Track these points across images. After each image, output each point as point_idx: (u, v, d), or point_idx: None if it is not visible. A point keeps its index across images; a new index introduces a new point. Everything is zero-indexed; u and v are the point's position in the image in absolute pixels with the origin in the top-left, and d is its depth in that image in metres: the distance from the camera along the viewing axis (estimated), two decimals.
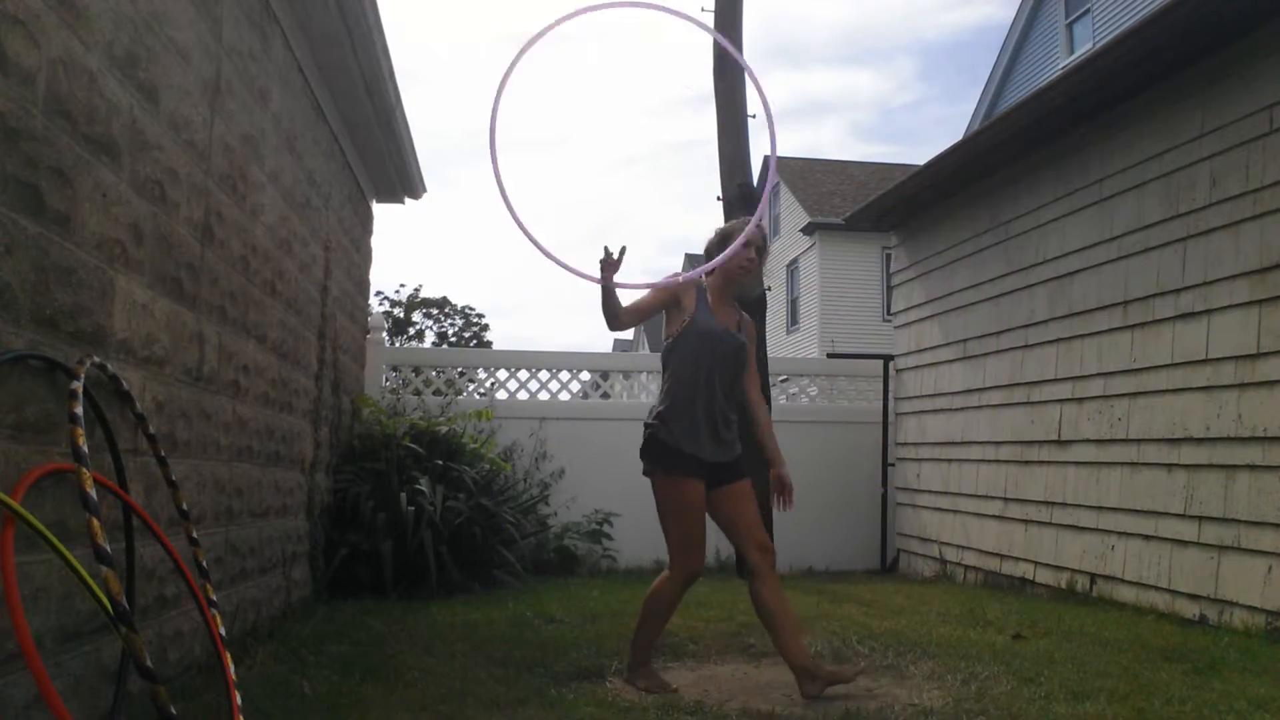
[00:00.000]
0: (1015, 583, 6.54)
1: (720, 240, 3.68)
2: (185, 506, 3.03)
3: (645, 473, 3.57)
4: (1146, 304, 5.41)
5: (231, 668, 2.70)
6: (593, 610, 5.20)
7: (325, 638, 4.23)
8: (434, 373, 8.53)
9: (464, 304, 30.17)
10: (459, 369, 8.70)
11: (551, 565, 7.44)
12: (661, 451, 3.49)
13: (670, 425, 3.48)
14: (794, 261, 22.86)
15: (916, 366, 8.18)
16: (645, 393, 8.91)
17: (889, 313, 15.00)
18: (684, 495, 3.47)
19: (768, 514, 3.80)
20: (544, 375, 8.56)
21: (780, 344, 22.22)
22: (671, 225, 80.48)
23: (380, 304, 27.11)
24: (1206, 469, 4.91)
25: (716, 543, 8.20)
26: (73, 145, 2.37)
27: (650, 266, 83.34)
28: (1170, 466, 5.17)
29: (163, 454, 2.89)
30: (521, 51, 3.33)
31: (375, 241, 7.52)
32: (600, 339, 71.80)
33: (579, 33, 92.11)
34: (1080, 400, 5.97)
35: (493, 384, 8.57)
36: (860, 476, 8.67)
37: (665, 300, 3.60)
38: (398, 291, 28.52)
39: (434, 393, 8.32)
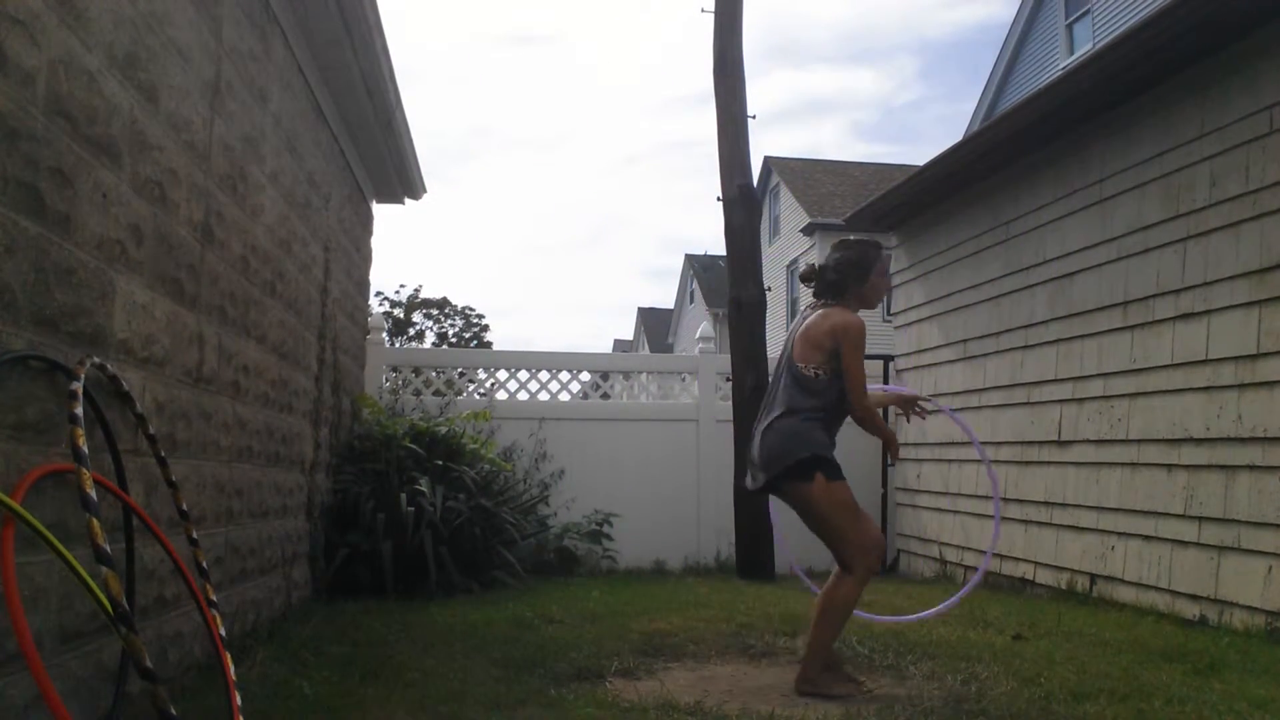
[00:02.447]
0: (1015, 583, 6.54)
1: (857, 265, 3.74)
2: (185, 507, 3.03)
3: (795, 483, 3.54)
4: (1146, 304, 5.41)
5: (231, 668, 2.70)
6: (593, 610, 5.19)
7: (325, 638, 4.23)
8: (434, 373, 8.53)
9: (464, 304, 30.15)
10: (459, 369, 8.70)
11: (551, 565, 7.44)
12: (827, 459, 3.54)
13: (824, 439, 3.58)
14: (794, 262, 22.86)
15: (916, 367, 8.17)
16: (645, 393, 8.90)
17: (889, 313, 14.98)
18: (849, 494, 3.55)
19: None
20: (544, 375, 8.55)
21: (780, 344, 22.21)
22: (671, 225, 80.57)
23: (380, 304, 27.10)
24: (1206, 469, 4.91)
25: (716, 543, 8.25)
26: (73, 145, 2.37)
27: (650, 266, 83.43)
28: (1170, 467, 5.17)
29: (163, 454, 2.89)
30: None
31: (375, 241, 7.53)
32: (600, 339, 71.79)
33: (578, 32, 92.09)
34: (1080, 401, 5.97)
35: (493, 384, 8.57)
36: (860, 476, 8.63)
37: None
38: (398, 292, 28.52)
39: (434, 393, 8.32)
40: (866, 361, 3.79)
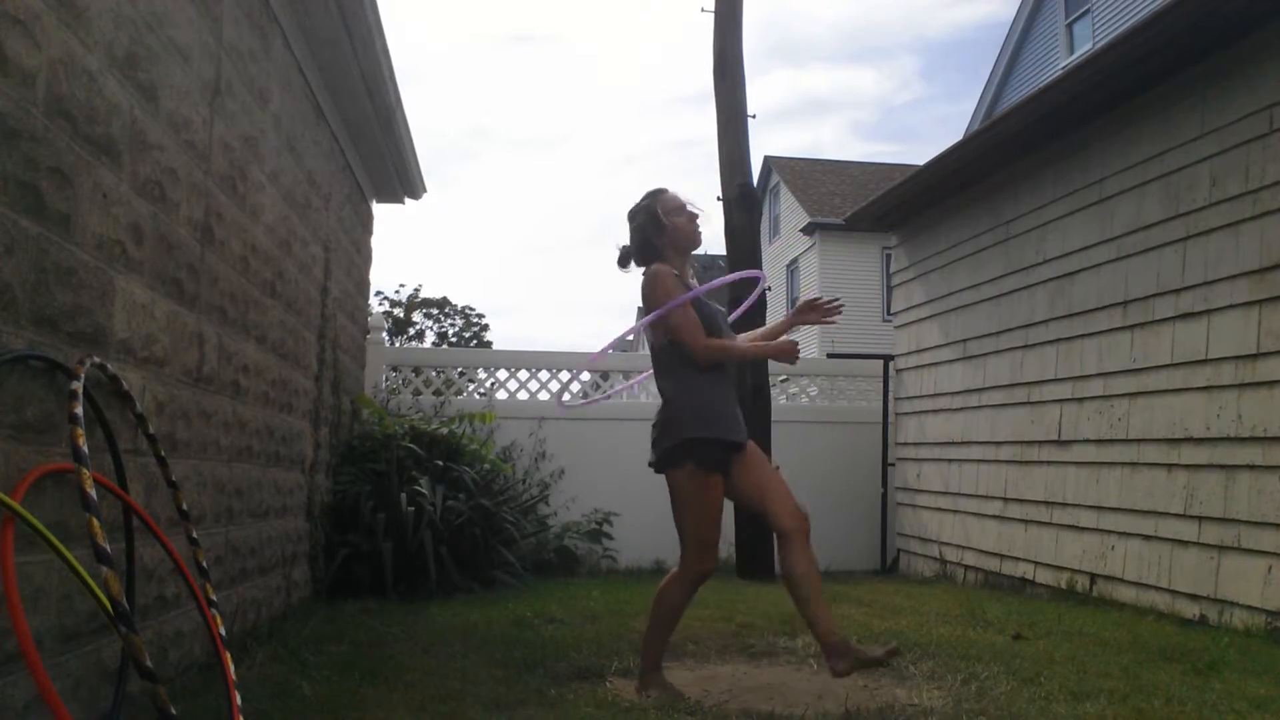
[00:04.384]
0: (1015, 583, 6.54)
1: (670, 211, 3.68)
2: (185, 507, 3.03)
3: (662, 468, 3.43)
4: (1146, 304, 5.41)
5: (231, 668, 2.70)
6: (593, 610, 5.19)
7: (325, 638, 4.23)
8: (434, 373, 8.54)
9: (464, 304, 30.25)
10: (459, 369, 8.70)
11: (551, 565, 7.44)
12: (696, 445, 3.36)
13: (703, 414, 3.43)
14: (794, 262, 22.87)
15: (916, 366, 8.18)
16: (645, 393, 8.91)
17: (889, 313, 14.99)
18: (711, 490, 3.37)
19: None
20: (544, 375, 8.56)
21: None
22: None
23: (380, 304, 27.14)
24: (1206, 469, 4.91)
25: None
26: (73, 145, 2.37)
27: None
28: (1170, 466, 5.17)
29: (163, 454, 2.89)
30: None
31: (375, 241, 7.53)
32: (600, 339, 71.67)
33: (578, 32, 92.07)
34: (1080, 400, 5.97)
35: (493, 384, 8.58)
36: (860, 476, 8.67)
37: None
38: (398, 291, 28.56)
39: (434, 393, 8.32)
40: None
